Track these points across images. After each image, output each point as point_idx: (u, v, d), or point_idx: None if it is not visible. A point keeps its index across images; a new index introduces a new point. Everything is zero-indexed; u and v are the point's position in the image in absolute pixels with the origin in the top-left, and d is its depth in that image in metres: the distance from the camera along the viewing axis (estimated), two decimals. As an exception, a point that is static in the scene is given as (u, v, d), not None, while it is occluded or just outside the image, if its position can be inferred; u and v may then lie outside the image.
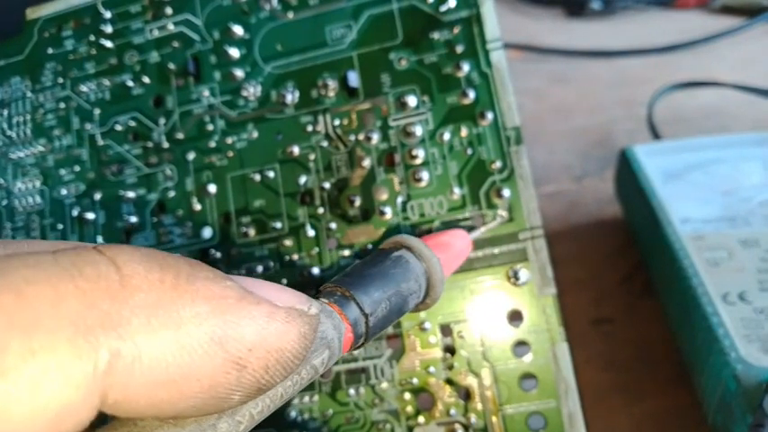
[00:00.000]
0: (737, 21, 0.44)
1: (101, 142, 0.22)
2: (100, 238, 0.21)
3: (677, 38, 0.44)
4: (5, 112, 0.23)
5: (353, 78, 0.20)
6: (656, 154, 0.30)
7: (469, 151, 0.19)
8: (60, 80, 0.22)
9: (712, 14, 0.48)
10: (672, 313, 0.26)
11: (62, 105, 0.22)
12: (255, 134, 0.20)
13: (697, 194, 0.28)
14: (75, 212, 0.21)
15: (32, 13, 0.23)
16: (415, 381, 0.18)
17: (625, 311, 0.29)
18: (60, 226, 0.21)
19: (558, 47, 0.44)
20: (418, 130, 0.19)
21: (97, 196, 0.21)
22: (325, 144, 0.20)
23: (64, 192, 0.22)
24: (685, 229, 0.25)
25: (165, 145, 0.21)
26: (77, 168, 0.22)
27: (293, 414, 0.19)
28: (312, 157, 0.20)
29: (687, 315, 0.23)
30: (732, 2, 0.46)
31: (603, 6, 0.50)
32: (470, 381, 0.18)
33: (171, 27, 0.21)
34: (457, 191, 0.19)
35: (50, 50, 0.23)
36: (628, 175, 0.30)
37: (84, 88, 0.22)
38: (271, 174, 0.20)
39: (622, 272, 0.30)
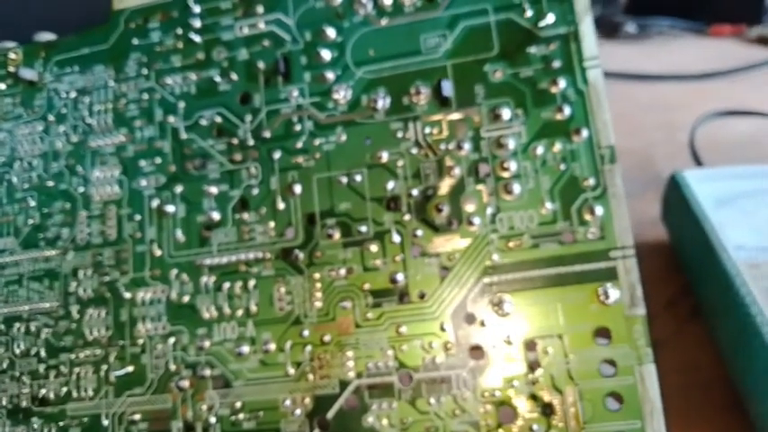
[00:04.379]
0: (773, 52, 0.45)
1: (184, 136, 0.22)
2: (179, 232, 0.21)
3: (711, 65, 0.44)
4: (87, 100, 0.23)
5: (447, 88, 0.20)
6: (706, 180, 0.30)
7: (562, 167, 0.19)
8: (144, 71, 0.22)
9: (747, 44, 0.49)
10: (725, 340, 0.26)
11: (145, 96, 0.22)
12: (344, 137, 0.20)
13: (749, 222, 0.28)
14: (154, 204, 0.21)
15: (119, 3, 0.23)
16: (497, 394, 0.18)
17: (673, 335, 0.29)
18: (138, 217, 0.21)
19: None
20: (511, 143, 0.19)
21: (178, 189, 0.21)
22: (414, 151, 0.20)
23: (144, 183, 0.22)
24: (740, 257, 0.25)
25: (251, 142, 0.21)
26: (158, 160, 0.22)
27: (371, 420, 0.19)
28: (401, 163, 0.20)
29: (744, 343, 0.23)
30: (768, 33, 0.47)
31: (638, 30, 0.50)
32: (554, 397, 0.18)
33: (261, 26, 0.21)
34: (548, 205, 0.19)
35: (136, 41, 0.23)
36: (677, 200, 0.30)
37: (168, 81, 0.22)
38: (358, 177, 0.20)
39: (667, 295, 0.30)
